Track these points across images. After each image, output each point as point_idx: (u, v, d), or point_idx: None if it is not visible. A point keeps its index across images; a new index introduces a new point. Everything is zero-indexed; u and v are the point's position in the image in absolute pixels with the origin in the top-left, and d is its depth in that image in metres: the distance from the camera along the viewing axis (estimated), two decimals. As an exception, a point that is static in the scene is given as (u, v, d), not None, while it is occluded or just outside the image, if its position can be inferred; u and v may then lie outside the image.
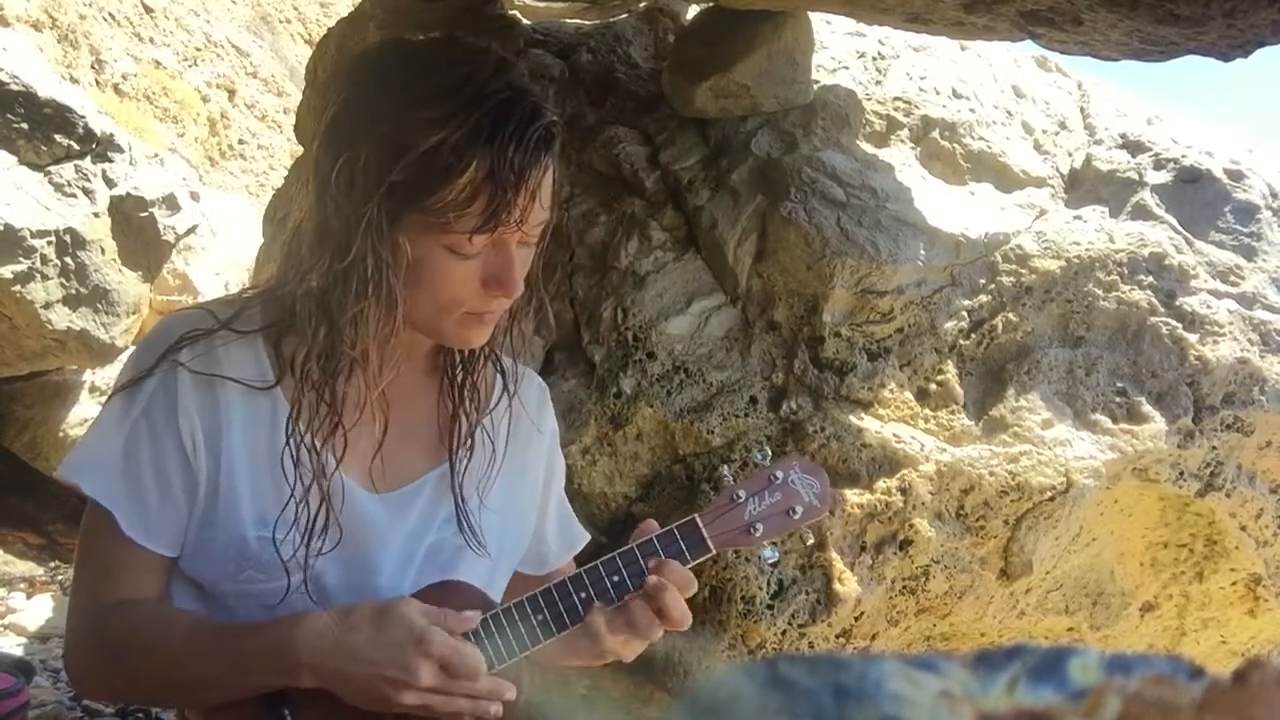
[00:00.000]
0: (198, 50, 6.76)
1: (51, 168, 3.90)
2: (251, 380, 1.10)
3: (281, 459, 1.07)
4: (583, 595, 1.15)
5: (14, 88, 3.82)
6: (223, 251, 4.95)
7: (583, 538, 1.41)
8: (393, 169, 1.01)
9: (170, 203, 4.33)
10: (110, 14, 6.08)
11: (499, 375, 1.26)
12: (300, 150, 3.32)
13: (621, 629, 1.14)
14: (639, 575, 1.16)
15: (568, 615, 1.14)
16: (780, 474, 1.24)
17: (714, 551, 1.21)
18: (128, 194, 4.10)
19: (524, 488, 1.29)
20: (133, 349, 1.21)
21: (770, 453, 1.27)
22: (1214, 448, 2.22)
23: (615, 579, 1.16)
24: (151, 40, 6.39)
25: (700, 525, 1.20)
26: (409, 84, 1.04)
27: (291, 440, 1.08)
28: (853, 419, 2.12)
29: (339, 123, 1.05)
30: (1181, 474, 2.21)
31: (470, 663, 1.03)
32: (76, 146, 3.98)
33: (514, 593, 1.19)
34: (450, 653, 1.02)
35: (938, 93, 2.60)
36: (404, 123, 1.01)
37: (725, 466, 1.30)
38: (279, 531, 1.07)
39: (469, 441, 1.20)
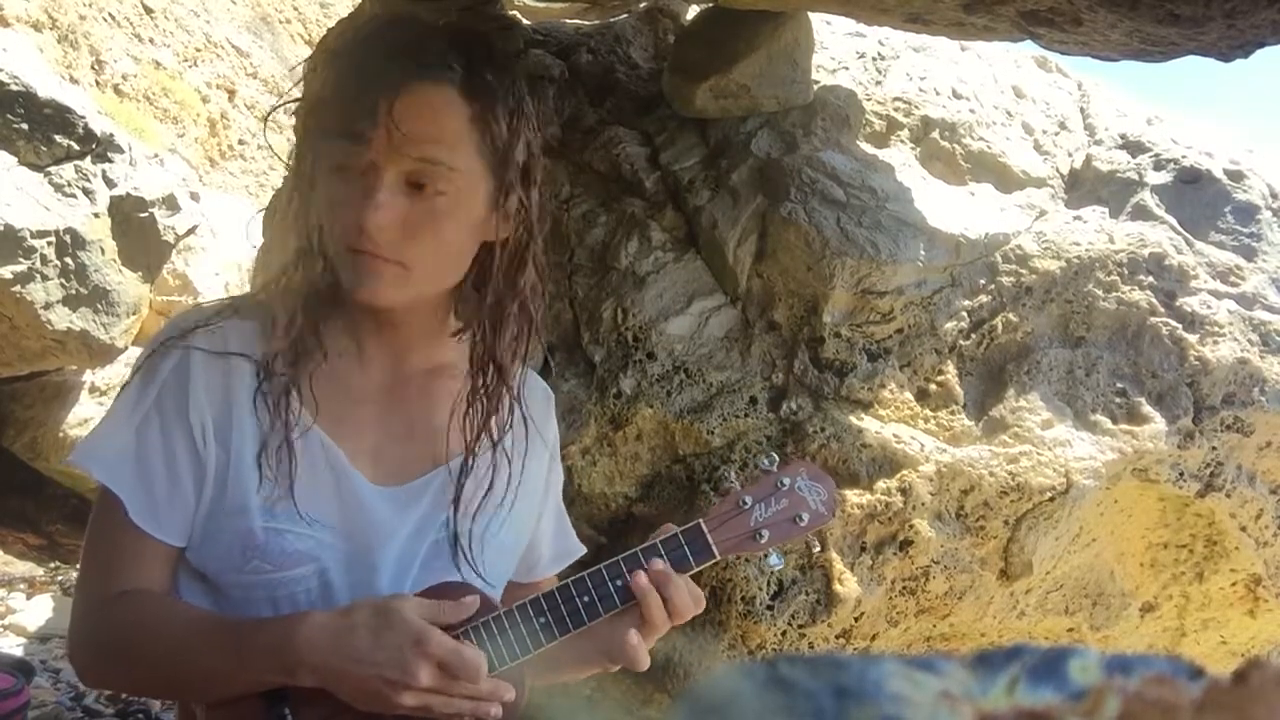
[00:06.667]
0: (198, 51, 6.76)
1: (51, 168, 3.90)
2: (260, 358, 1.13)
3: (254, 402, 1.11)
4: (585, 599, 1.14)
5: (14, 88, 3.82)
6: (223, 252, 4.95)
7: (577, 550, 1.40)
8: (304, 113, 1.14)
9: (170, 203, 4.33)
10: (110, 14, 6.08)
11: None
12: (300, 150, 3.31)
13: (631, 626, 1.15)
14: None
15: (570, 619, 1.13)
16: (787, 480, 1.23)
17: (719, 558, 1.20)
18: (128, 194, 4.10)
19: (525, 493, 1.29)
20: (143, 346, 1.24)
21: (777, 458, 1.26)
22: (1214, 448, 2.22)
23: (619, 583, 1.15)
24: (151, 41, 6.39)
25: (705, 531, 1.19)
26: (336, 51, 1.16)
27: (264, 386, 1.11)
28: (853, 419, 2.12)
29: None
30: (1181, 474, 2.21)
31: (470, 663, 1.03)
32: (76, 147, 3.97)
33: (503, 600, 1.19)
34: (448, 653, 1.02)
35: (938, 93, 2.60)
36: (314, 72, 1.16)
37: (730, 471, 1.29)
38: (264, 472, 1.09)
39: (476, 443, 1.20)
